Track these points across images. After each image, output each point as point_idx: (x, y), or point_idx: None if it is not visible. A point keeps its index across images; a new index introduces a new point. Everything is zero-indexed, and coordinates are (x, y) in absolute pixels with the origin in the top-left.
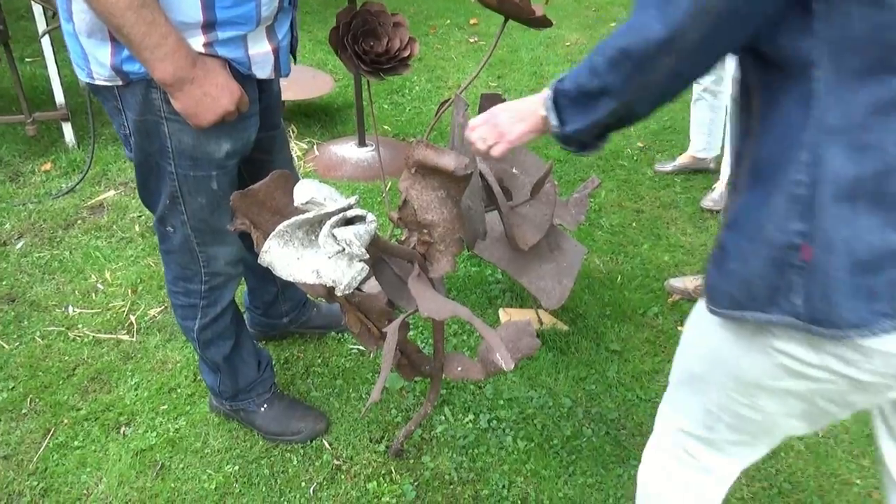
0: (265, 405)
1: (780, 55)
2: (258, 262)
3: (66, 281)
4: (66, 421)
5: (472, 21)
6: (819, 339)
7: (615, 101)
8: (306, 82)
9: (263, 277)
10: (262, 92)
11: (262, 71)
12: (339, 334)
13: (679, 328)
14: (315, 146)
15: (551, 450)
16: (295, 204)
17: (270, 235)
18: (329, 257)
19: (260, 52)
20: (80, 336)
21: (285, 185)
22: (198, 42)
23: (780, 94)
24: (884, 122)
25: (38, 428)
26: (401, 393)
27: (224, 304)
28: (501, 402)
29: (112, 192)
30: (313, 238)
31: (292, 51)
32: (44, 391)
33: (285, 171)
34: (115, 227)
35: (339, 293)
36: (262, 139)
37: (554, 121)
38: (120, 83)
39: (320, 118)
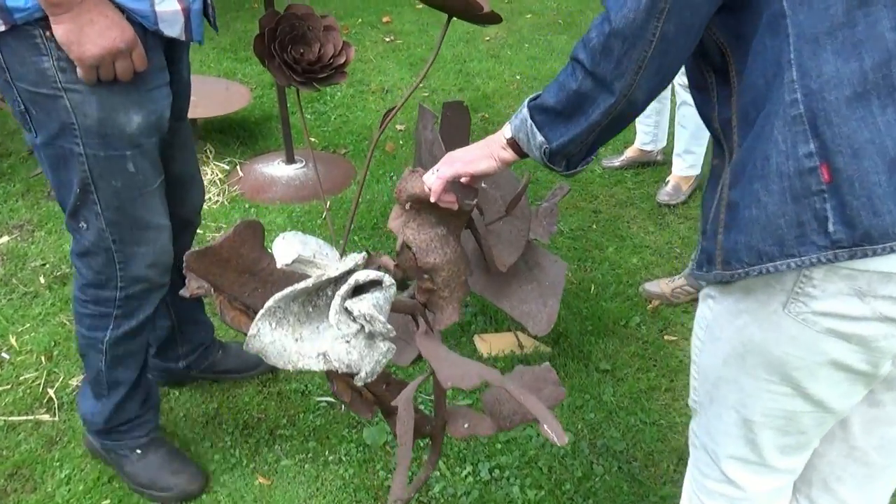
0: (139, 450)
1: None
2: (244, 348)
3: None
4: None
5: (384, 19)
6: (867, 280)
7: (613, 95)
8: (219, 95)
9: (157, 309)
10: (171, 74)
11: (171, 29)
12: (304, 386)
13: (665, 337)
14: (238, 166)
15: (564, 496)
16: (278, 265)
17: (258, 316)
18: (347, 341)
19: (168, 11)
20: None
21: (253, 237)
22: None
23: (753, 35)
24: (868, 14)
25: None
26: (385, 449)
27: (142, 318)
28: (499, 445)
29: (5, 238)
30: (311, 310)
31: (209, 17)
32: None
33: (252, 219)
34: (14, 280)
35: (359, 382)
36: None
37: (539, 138)
38: (3, 27)
39: (238, 134)
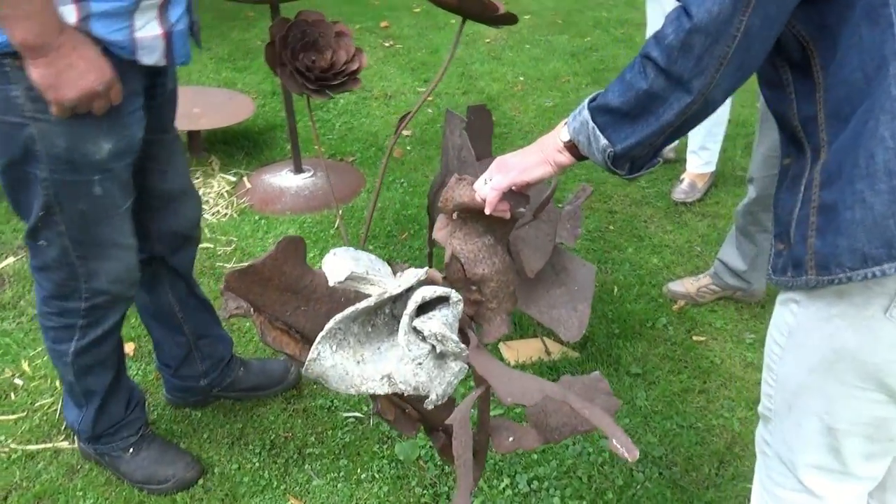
0: (131, 449)
1: None
2: (303, 373)
3: None
4: None
5: (382, 24)
6: None
7: (690, 94)
8: (223, 106)
9: (169, 326)
10: (154, 87)
11: (149, 56)
12: (330, 402)
13: (694, 338)
14: (244, 178)
15: None
16: (330, 283)
17: (319, 338)
18: (419, 363)
19: (147, 36)
20: (4, 452)
21: (295, 253)
22: (70, 14)
23: (841, 26)
24: None
25: None
26: (417, 464)
27: (107, 327)
28: (535, 455)
29: (11, 260)
30: (370, 329)
31: (195, 35)
32: None
33: (294, 236)
34: (22, 302)
35: (429, 405)
36: (149, 143)
37: (602, 141)
38: None
39: (243, 145)
